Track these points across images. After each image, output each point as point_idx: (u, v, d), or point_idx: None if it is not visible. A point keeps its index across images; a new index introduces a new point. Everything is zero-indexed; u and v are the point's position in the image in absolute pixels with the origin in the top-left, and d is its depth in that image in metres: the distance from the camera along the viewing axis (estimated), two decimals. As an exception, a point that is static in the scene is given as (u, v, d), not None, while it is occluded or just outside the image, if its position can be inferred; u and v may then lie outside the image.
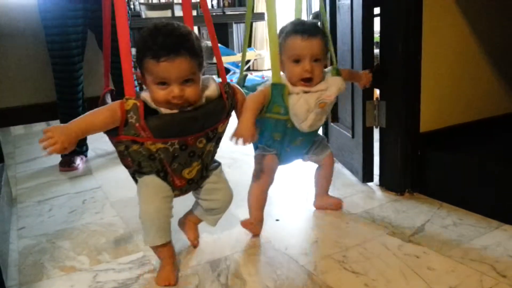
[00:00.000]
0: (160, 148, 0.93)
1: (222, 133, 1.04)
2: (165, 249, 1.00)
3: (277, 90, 1.10)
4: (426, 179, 1.40)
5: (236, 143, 1.05)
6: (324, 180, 1.36)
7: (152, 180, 0.98)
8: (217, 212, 1.12)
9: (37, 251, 1.19)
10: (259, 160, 1.22)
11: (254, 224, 1.22)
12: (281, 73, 1.14)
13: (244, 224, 1.22)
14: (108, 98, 1.07)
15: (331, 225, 1.25)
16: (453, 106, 1.48)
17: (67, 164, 1.93)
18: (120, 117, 0.88)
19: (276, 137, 1.18)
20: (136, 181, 1.02)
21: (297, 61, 1.12)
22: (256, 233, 1.22)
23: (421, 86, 1.37)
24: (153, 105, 0.91)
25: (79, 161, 1.97)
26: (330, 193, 1.38)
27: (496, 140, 1.49)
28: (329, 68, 1.23)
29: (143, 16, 4.64)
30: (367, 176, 1.52)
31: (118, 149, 0.94)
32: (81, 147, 2.05)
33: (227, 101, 1.01)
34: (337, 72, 1.21)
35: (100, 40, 1.93)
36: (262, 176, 1.21)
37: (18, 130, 2.90)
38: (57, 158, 2.02)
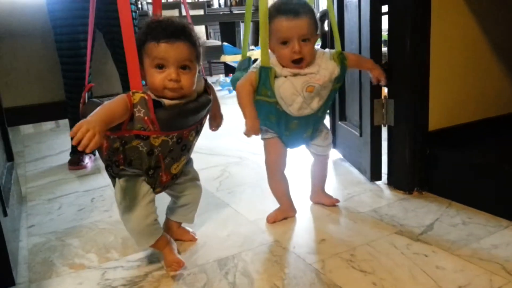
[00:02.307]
0: (161, 142, 0.93)
1: (203, 126, 1.08)
2: (158, 243, 1.03)
3: (265, 73, 1.10)
4: (435, 178, 1.39)
5: (247, 136, 1.12)
6: (319, 177, 1.37)
7: (134, 185, 0.97)
8: (191, 207, 1.16)
9: (46, 248, 1.20)
10: (264, 146, 1.25)
11: (282, 210, 1.28)
12: (271, 56, 1.13)
13: (269, 218, 1.27)
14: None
15: (338, 224, 1.24)
16: (462, 104, 1.47)
17: (76, 162, 1.95)
18: (129, 110, 0.87)
19: (271, 119, 1.18)
20: (112, 179, 1.01)
21: (284, 42, 1.10)
22: (290, 216, 1.29)
23: (429, 84, 1.36)
24: (156, 98, 0.91)
25: (87, 160, 1.99)
26: (337, 191, 1.38)
27: (506, 138, 1.47)
28: (331, 51, 1.19)
29: (151, 15, 4.66)
30: (375, 175, 1.51)
31: (113, 146, 0.92)
32: (89, 146, 2.06)
33: (210, 95, 1.06)
34: (342, 57, 1.17)
35: (108, 39, 1.95)
36: (270, 161, 1.25)
37: (27, 129, 2.93)
38: (66, 157, 2.04)
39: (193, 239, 1.18)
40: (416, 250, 1.06)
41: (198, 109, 0.99)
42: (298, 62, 1.11)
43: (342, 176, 1.62)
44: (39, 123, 2.99)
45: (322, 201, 1.38)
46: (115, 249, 1.17)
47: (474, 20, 1.44)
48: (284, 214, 1.28)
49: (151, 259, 1.10)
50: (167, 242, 1.06)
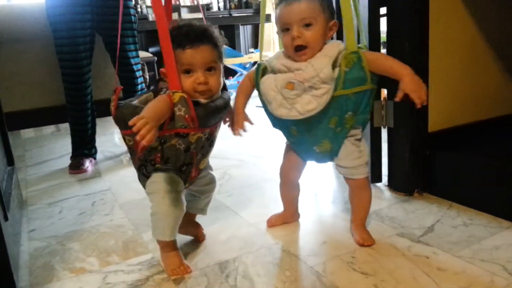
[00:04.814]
0: (197, 138, 0.99)
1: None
2: (171, 242, 1.04)
3: (258, 69, 1.09)
4: (435, 179, 1.39)
5: (234, 133, 1.11)
6: (355, 208, 1.16)
7: (165, 176, 1.00)
8: (207, 199, 1.18)
9: (47, 253, 1.20)
10: (284, 150, 1.21)
11: (284, 216, 1.26)
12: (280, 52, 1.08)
13: (269, 222, 1.25)
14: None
15: (339, 226, 1.24)
16: (461, 105, 1.47)
17: (76, 166, 1.95)
18: (171, 109, 0.93)
19: (274, 121, 1.13)
20: (143, 180, 1.04)
21: (286, 29, 1.02)
22: (290, 222, 1.26)
23: (428, 85, 1.36)
24: (193, 97, 0.96)
25: (88, 164, 1.99)
26: (338, 194, 1.36)
27: (506, 139, 1.47)
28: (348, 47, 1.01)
29: (150, 19, 4.67)
30: (375, 177, 1.51)
31: (152, 145, 0.96)
32: (90, 150, 2.06)
33: (227, 91, 1.10)
34: (354, 57, 0.99)
35: (108, 43, 1.95)
36: (283, 169, 1.22)
37: (28, 133, 2.94)
38: (66, 161, 2.04)
39: (202, 236, 1.20)
40: (417, 251, 1.06)
41: (225, 105, 1.04)
42: (300, 49, 1.00)
43: (342, 178, 1.62)
44: (40, 127, 3.00)
45: (355, 235, 1.14)
46: (116, 253, 1.17)
47: (472, 21, 1.44)
48: (284, 220, 1.27)
49: (152, 263, 1.10)
50: (176, 246, 1.06)
